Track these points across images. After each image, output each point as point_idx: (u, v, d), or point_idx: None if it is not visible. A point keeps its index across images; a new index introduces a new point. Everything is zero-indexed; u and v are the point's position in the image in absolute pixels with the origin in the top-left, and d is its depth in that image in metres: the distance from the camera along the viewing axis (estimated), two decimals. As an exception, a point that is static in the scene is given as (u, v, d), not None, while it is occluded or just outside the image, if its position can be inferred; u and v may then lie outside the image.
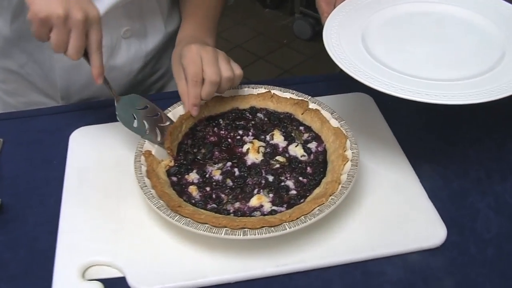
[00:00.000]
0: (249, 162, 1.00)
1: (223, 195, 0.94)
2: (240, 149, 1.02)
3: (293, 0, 3.51)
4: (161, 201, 0.90)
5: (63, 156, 1.09)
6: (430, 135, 1.13)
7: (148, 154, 0.99)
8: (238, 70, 1.05)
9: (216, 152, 1.02)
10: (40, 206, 1.01)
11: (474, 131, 1.15)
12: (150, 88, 1.41)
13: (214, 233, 0.85)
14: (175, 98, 1.09)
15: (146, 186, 0.93)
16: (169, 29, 1.31)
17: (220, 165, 1.00)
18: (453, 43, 1.04)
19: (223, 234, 0.85)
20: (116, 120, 1.02)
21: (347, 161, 0.96)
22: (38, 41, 0.92)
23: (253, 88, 1.11)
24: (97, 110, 1.22)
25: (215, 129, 1.06)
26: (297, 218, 0.87)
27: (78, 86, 1.28)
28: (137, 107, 1.04)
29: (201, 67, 1.01)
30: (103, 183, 1.03)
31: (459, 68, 0.96)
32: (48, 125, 1.18)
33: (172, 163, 1.00)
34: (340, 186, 0.92)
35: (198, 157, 1.01)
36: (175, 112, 1.08)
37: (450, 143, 1.11)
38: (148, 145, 1.01)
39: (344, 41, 1.00)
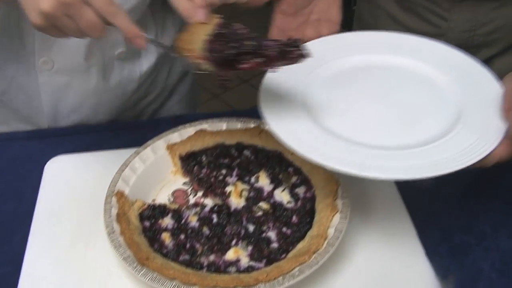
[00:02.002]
0: (230, 207, 0.91)
1: (198, 245, 0.86)
2: (221, 191, 0.94)
3: None
4: (129, 251, 0.82)
5: (36, 188, 1.01)
6: (432, 181, 1.03)
7: (120, 195, 0.91)
8: None
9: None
10: (5, 244, 0.94)
11: (479, 178, 1.05)
12: (143, 112, 1.34)
13: (182, 291, 0.77)
14: (168, 125, 1.03)
15: (114, 232, 0.85)
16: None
17: (197, 209, 0.91)
18: (405, 102, 0.91)
19: (192, 293, 0.77)
20: (97, 149, 0.94)
21: (336, 212, 0.87)
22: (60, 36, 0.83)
23: (241, 122, 1.03)
24: (78, 137, 1.14)
25: (195, 167, 0.97)
26: (275, 279, 0.79)
27: (66, 110, 1.20)
28: None
29: None
30: (74, 222, 0.95)
31: (410, 133, 0.84)
32: (22, 152, 1.11)
33: (145, 206, 0.91)
34: (326, 242, 0.83)
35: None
36: (167, 139, 1.01)
37: (452, 194, 1.02)
38: (121, 184, 0.92)
39: (281, 99, 0.89)
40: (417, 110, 0.89)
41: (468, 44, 1.24)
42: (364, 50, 0.98)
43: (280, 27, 0.97)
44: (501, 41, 1.23)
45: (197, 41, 0.82)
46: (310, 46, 0.84)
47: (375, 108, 0.89)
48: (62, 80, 1.14)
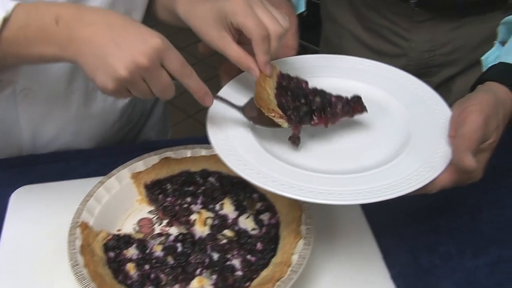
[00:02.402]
0: (195, 235, 0.91)
1: (162, 275, 0.86)
2: (186, 219, 0.94)
3: None
4: (93, 284, 0.82)
5: (1, 219, 1.00)
6: (397, 203, 1.03)
7: (84, 226, 0.90)
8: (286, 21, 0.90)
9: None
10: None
11: (445, 197, 1.05)
12: (124, 138, 1.31)
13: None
14: (137, 151, 1.03)
15: (78, 264, 0.85)
16: None
17: (162, 238, 0.91)
18: (355, 128, 0.91)
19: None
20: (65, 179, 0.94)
21: (300, 239, 0.87)
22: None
23: (206, 149, 1.03)
24: (47, 165, 1.13)
25: (160, 196, 0.97)
26: (239, 308, 0.78)
27: (46, 139, 1.17)
28: None
29: (260, 19, 0.86)
30: (39, 255, 0.94)
31: (358, 158, 0.85)
32: (-13, 181, 1.10)
33: (110, 236, 0.91)
34: (289, 269, 0.83)
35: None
36: (131, 168, 1.01)
37: (418, 213, 1.02)
38: (86, 215, 0.92)
39: (232, 125, 0.89)
40: (367, 135, 0.89)
41: (429, 64, 1.25)
42: (316, 73, 0.98)
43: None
44: (461, 61, 1.24)
45: (267, 97, 0.85)
46: None
47: (325, 133, 0.90)
48: (42, 109, 1.11)
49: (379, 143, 0.88)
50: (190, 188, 0.99)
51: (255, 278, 0.85)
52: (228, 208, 0.95)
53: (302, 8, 1.09)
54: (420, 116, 0.90)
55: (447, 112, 0.89)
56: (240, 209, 0.95)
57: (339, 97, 0.88)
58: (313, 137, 0.89)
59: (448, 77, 1.27)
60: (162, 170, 1.00)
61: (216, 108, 0.90)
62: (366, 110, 0.88)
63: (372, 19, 1.30)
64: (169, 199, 0.97)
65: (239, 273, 0.86)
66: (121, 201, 0.99)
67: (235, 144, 0.85)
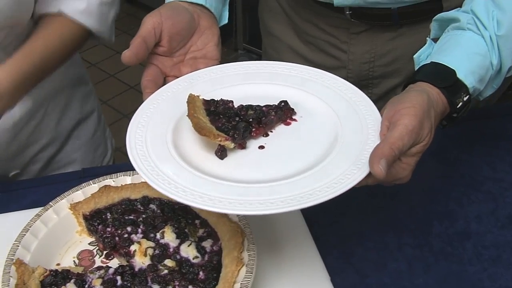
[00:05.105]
0: (134, 267, 0.88)
1: (101, 311, 0.83)
2: (126, 250, 0.90)
3: (236, 36, 3.53)
4: (27, 325, 0.79)
5: None
6: (344, 219, 1.02)
7: (19, 263, 0.87)
8: None
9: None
10: None
11: (393, 212, 1.03)
12: (32, 160, 1.27)
13: None
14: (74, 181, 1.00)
15: (12, 305, 0.81)
16: (41, 93, 1.18)
17: (102, 272, 0.88)
18: (284, 134, 0.88)
19: None
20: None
21: (241, 266, 0.84)
22: None
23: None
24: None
25: (100, 226, 0.94)
26: None
27: None
28: None
29: None
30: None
31: (286, 165, 0.81)
32: None
33: (47, 273, 0.88)
34: (231, 299, 0.80)
35: None
36: (69, 198, 0.97)
37: (366, 231, 1.00)
38: (21, 251, 0.89)
39: (151, 136, 0.85)
40: (295, 142, 0.87)
41: (369, 76, 1.24)
42: (243, 80, 0.96)
43: (155, 66, 0.95)
44: (402, 71, 1.23)
45: (206, 125, 0.85)
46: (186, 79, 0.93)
47: (252, 141, 0.87)
48: None
49: (307, 150, 0.84)
50: (131, 217, 0.96)
51: (196, 309, 0.82)
52: (169, 236, 0.92)
53: (225, 20, 1.07)
54: (347, 117, 0.87)
55: (375, 112, 0.86)
56: (182, 236, 0.92)
57: (268, 106, 0.88)
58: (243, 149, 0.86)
59: (390, 88, 1.26)
60: (102, 199, 0.97)
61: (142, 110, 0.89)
62: (295, 113, 0.89)
63: (310, 32, 1.28)
64: (109, 229, 0.94)
65: (181, 305, 0.83)
66: (60, 233, 0.96)
67: (158, 163, 0.81)
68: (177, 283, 0.86)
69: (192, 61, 0.97)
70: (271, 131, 0.88)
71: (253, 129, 0.86)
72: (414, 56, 0.97)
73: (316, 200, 0.73)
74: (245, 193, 0.76)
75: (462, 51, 0.89)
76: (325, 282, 0.90)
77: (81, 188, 0.99)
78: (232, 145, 0.83)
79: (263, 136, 0.87)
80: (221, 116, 0.87)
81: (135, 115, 0.88)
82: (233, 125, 0.85)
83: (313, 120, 0.89)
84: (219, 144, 0.83)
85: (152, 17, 0.93)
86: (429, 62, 0.89)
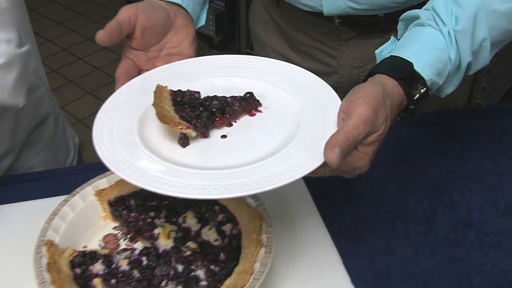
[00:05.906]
0: (159, 248, 0.93)
1: (128, 288, 0.88)
2: (150, 233, 0.96)
3: (240, 41, 3.60)
4: (59, 300, 0.83)
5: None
6: (355, 208, 1.07)
7: (50, 244, 0.92)
8: None
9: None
10: None
11: (400, 202, 1.09)
12: None
13: None
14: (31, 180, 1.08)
15: (44, 282, 0.86)
16: None
17: (128, 253, 0.93)
18: (245, 123, 0.92)
19: None
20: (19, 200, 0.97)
21: (261, 247, 0.90)
22: None
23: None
24: (5, 187, 1.14)
25: (124, 212, 0.99)
26: (204, 317, 0.81)
27: None
28: None
29: None
30: (6, 274, 0.96)
31: (247, 152, 0.84)
32: None
33: (76, 253, 0.93)
34: (252, 277, 0.86)
35: None
36: (95, 186, 1.03)
37: (375, 219, 1.06)
38: (51, 233, 0.94)
39: (117, 126, 0.88)
40: (258, 131, 0.90)
41: (360, 80, 1.28)
42: (214, 73, 1.00)
43: (130, 59, 0.99)
44: None
45: (169, 114, 0.88)
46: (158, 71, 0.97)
47: (216, 131, 0.91)
48: None
49: (269, 137, 0.88)
50: (153, 203, 1.01)
51: (219, 287, 0.87)
52: (190, 221, 0.97)
53: (202, 22, 1.12)
54: (310, 108, 0.90)
55: (339, 104, 0.88)
56: (203, 221, 0.97)
57: (233, 97, 0.93)
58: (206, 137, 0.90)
59: None
60: (125, 186, 1.02)
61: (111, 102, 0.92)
62: (261, 104, 0.93)
63: (300, 40, 1.33)
64: (132, 214, 0.99)
65: (204, 283, 0.88)
66: (86, 218, 1.01)
67: (123, 152, 0.84)
68: (200, 263, 0.91)
69: (167, 57, 1.02)
70: (235, 122, 0.92)
71: (217, 119, 0.90)
72: (376, 51, 0.99)
73: (273, 185, 0.76)
74: (211, 178, 0.79)
75: (420, 45, 0.92)
76: (337, 265, 0.95)
77: (106, 176, 1.04)
78: (194, 134, 0.86)
79: (227, 126, 0.91)
80: (186, 106, 0.91)
81: (103, 105, 0.91)
82: (196, 115, 0.89)
83: (278, 112, 0.93)
84: (181, 133, 0.86)
85: (129, 8, 0.97)
86: (389, 56, 0.92)
